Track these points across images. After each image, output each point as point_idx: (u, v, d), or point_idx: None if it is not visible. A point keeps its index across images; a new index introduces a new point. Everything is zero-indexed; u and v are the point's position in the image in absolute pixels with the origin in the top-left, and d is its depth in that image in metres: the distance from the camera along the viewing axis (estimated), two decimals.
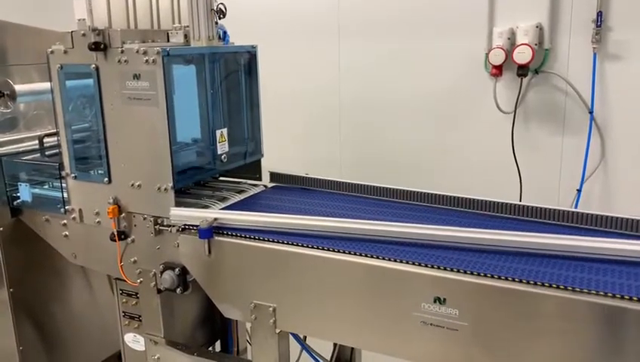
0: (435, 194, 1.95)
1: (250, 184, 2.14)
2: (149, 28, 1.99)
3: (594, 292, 1.30)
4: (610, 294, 1.28)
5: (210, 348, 2.30)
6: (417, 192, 1.98)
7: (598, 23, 2.35)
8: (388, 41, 2.78)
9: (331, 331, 1.64)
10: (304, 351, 2.12)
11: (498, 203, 1.86)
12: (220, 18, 1.91)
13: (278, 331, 1.68)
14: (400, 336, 1.52)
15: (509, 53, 2.48)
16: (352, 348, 2.18)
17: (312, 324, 1.67)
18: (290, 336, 1.86)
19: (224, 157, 1.99)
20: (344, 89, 2.94)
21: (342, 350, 2.17)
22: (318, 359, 2.15)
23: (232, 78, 2.09)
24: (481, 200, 1.88)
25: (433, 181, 2.55)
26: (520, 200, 2.49)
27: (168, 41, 1.96)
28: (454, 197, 1.92)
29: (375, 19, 2.80)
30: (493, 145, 2.63)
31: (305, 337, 2.05)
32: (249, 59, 2.07)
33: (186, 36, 1.92)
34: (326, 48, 2.93)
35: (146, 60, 1.73)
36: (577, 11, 2.41)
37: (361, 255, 1.53)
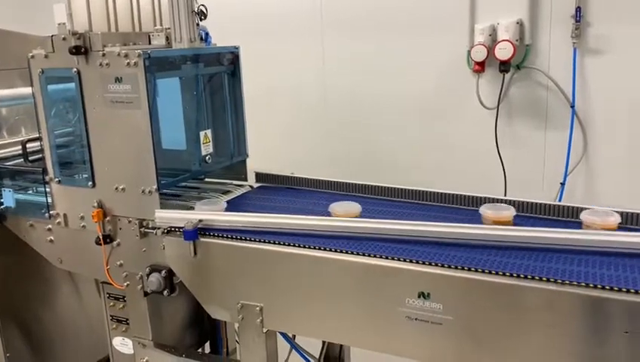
0: (420, 191, 1.96)
1: (235, 185, 2.15)
2: (131, 31, 1.99)
3: (578, 283, 1.31)
4: (594, 285, 1.30)
5: (200, 350, 2.30)
6: (402, 189, 1.99)
7: (577, 18, 2.38)
8: (371, 39, 2.80)
9: (318, 329, 1.65)
10: (293, 349, 2.13)
11: (483, 197, 1.87)
12: (201, 19, 1.92)
13: (265, 330, 1.68)
14: (386, 332, 1.53)
15: (490, 50, 2.49)
16: (341, 345, 2.19)
17: (300, 323, 1.67)
18: (280, 335, 1.87)
19: (208, 159, 1.99)
20: (328, 87, 2.95)
21: (330, 347, 2.18)
22: (307, 357, 2.16)
23: (215, 79, 2.10)
24: (466, 196, 1.90)
25: (418, 177, 2.56)
26: (505, 195, 2.51)
27: (150, 43, 1.96)
28: (439, 193, 1.94)
29: (357, 17, 2.81)
30: (478, 141, 2.65)
31: (294, 336, 2.06)
32: (232, 59, 2.08)
33: (167, 38, 1.93)
34: (309, 46, 2.94)
35: (128, 63, 1.73)
36: (557, 7, 2.43)
37: (345, 252, 1.54)
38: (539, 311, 1.35)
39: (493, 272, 1.39)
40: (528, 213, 1.79)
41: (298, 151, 3.04)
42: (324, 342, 2.13)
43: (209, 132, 2.01)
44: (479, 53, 2.51)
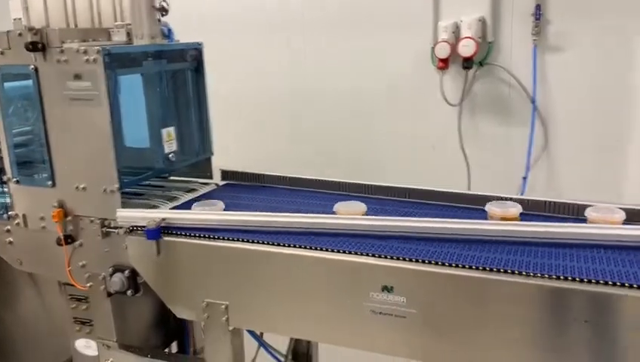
0: (386, 186, 1.98)
1: (200, 183, 2.13)
2: (90, 26, 1.95)
3: (540, 275, 1.34)
4: (557, 276, 1.32)
5: (167, 349, 2.27)
6: (368, 185, 2.01)
7: (537, 16, 2.43)
8: (336, 36, 2.80)
9: (285, 325, 1.65)
10: (261, 347, 2.12)
11: (447, 192, 1.90)
12: (162, 15, 1.89)
13: (231, 328, 1.67)
14: (352, 326, 1.54)
15: (454, 47, 2.53)
16: (309, 341, 2.20)
17: (266, 320, 1.67)
18: (247, 333, 1.87)
19: (172, 157, 1.97)
20: (293, 85, 2.94)
21: (298, 343, 2.18)
22: (275, 354, 2.16)
23: (178, 76, 2.07)
24: (431, 191, 1.92)
25: (385, 173, 2.60)
26: (468, 189, 2.55)
27: (110, 39, 1.92)
28: (405, 188, 1.95)
29: (322, 15, 2.81)
30: (442, 137, 2.68)
31: (262, 333, 2.06)
32: (195, 56, 2.05)
33: (128, 34, 1.89)
34: (274, 44, 2.93)
35: (87, 60, 1.70)
36: (517, 4, 2.48)
37: (310, 248, 1.55)
38: (501, 303, 1.37)
39: (455, 265, 1.41)
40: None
41: (264, 149, 3.03)
42: (291, 339, 2.14)
43: (172, 129, 1.98)
44: (443, 50, 2.54)
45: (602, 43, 2.38)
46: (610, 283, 1.28)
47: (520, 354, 1.38)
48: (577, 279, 1.31)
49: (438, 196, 1.90)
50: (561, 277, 1.32)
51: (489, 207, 1.68)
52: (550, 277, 1.33)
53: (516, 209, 1.65)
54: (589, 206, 1.64)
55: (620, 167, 2.44)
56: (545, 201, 1.75)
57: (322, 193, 2.04)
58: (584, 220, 1.62)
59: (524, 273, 1.35)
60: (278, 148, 2.99)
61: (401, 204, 1.91)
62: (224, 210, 1.79)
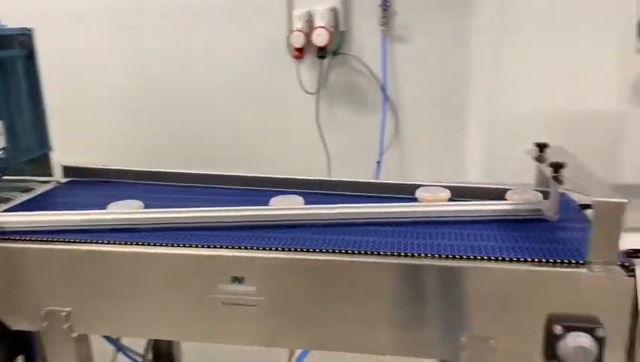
0: (240, 176, 1.96)
1: (39, 181, 1.96)
2: None
3: (390, 253, 1.39)
4: (408, 254, 1.38)
5: None
6: (224, 176, 1.98)
7: (385, 7, 2.54)
8: (187, 25, 2.71)
9: (135, 327, 1.57)
10: (120, 351, 2.03)
11: (308, 180, 1.92)
12: None
13: (74, 335, 1.56)
14: (205, 321, 1.51)
15: (308, 36, 2.56)
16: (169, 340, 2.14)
17: (114, 323, 1.58)
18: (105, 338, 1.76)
19: (1, 154, 1.79)
20: (142, 76, 2.80)
21: (158, 342, 2.11)
22: (135, 357, 2.07)
23: (5, 65, 1.87)
24: (291, 179, 1.92)
25: (246, 165, 2.57)
26: (328, 175, 2.62)
27: None
28: (264, 177, 1.94)
29: (172, 3, 2.71)
30: (300, 125, 2.72)
31: (119, 337, 1.96)
32: (24, 42, 1.87)
33: None
34: (122, 34, 2.77)
35: None
36: None
37: (155, 245, 1.49)
38: (351, 284, 1.41)
39: (305, 250, 1.43)
40: (351, 192, 1.86)
41: (112, 143, 2.86)
42: (149, 339, 2.06)
43: (0, 123, 1.80)
44: (297, 40, 2.56)
45: (441, 38, 2.55)
46: (457, 256, 1.35)
47: (373, 332, 1.43)
48: (430, 255, 1.37)
49: (293, 184, 1.93)
50: (409, 254, 1.38)
51: (419, 193, 1.73)
52: (398, 255, 1.39)
53: (445, 194, 1.71)
54: (509, 189, 1.70)
55: (460, 150, 2.65)
56: (472, 187, 1.79)
57: (175, 186, 1.98)
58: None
59: (369, 252, 1.40)
60: (123, 144, 2.84)
61: (255, 194, 1.90)
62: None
